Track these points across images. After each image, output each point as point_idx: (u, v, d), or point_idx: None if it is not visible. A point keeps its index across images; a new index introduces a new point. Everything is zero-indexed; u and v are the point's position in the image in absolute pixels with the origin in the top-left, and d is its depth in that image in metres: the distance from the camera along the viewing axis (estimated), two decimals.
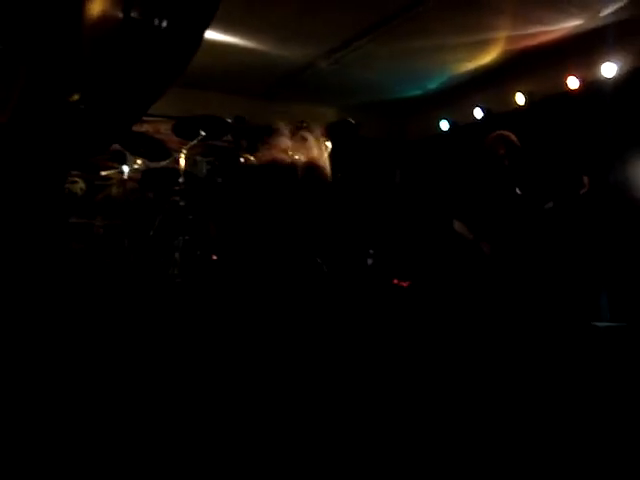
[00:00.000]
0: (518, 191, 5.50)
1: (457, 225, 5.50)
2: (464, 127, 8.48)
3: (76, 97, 2.01)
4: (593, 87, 6.85)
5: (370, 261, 7.02)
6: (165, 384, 3.64)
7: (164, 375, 3.79)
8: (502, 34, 6.71)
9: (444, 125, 8.77)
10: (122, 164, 6.50)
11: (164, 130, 7.18)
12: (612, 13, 6.23)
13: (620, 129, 6.54)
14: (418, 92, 8.57)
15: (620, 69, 6.59)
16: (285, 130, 5.61)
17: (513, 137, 5.61)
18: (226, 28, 6.28)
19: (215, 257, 5.69)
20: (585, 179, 5.56)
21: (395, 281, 6.80)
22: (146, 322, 4.75)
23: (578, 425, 3.33)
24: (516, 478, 2.60)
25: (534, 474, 2.63)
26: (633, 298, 5.90)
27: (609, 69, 6.63)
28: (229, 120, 6.24)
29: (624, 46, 6.54)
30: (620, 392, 3.92)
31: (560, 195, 5.63)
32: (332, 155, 6.52)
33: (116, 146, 6.35)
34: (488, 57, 7.25)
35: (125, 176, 6.49)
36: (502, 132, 5.66)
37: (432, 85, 8.29)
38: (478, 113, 8.17)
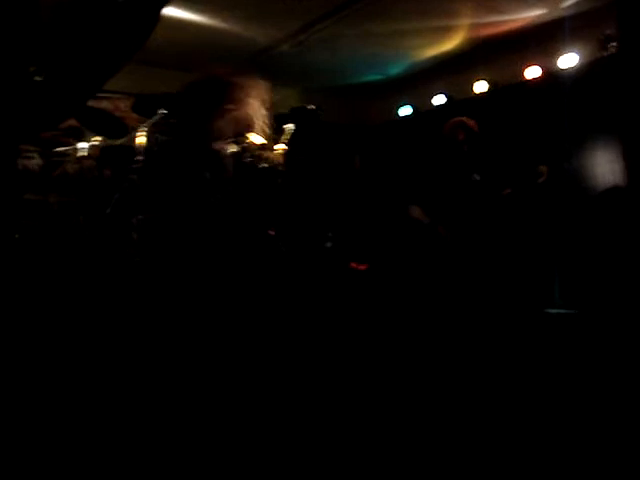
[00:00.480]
0: (476, 177, 5.55)
1: (413, 209, 5.53)
2: (425, 113, 8.51)
3: (32, 69, 1.97)
4: (553, 77, 6.92)
5: (329, 244, 7.02)
6: (122, 363, 3.62)
7: (120, 354, 3.77)
8: (465, 21, 6.75)
9: (405, 110, 8.79)
10: (79, 141, 6.39)
11: (123, 107, 7.08)
12: (573, 4, 6.30)
13: (578, 119, 6.62)
14: (380, 77, 8.58)
15: (580, 60, 6.67)
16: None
17: (472, 123, 5.66)
18: (189, 5, 6.22)
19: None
20: (543, 168, 5.63)
21: (353, 264, 6.82)
22: (104, 301, 4.71)
23: (528, 408, 3.39)
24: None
25: (476, 456, 2.67)
26: (584, 285, 6.00)
27: (569, 60, 6.71)
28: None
29: (584, 37, 6.63)
30: (570, 377, 4.00)
31: (517, 182, 5.69)
32: (293, 139, 6.50)
33: (73, 122, 6.24)
34: (450, 44, 7.28)
35: (82, 153, 6.38)
36: (462, 118, 5.70)
37: (394, 70, 8.30)
38: (439, 99, 8.21)
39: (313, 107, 6.60)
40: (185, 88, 4.95)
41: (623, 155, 6.20)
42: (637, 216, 5.72)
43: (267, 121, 5.62)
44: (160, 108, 5.99)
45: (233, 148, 5.45)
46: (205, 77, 5.09)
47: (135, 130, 6.10)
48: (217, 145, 4.95)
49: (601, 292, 5.80)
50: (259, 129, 5.52)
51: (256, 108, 5.11)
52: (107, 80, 2.16)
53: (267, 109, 5.15)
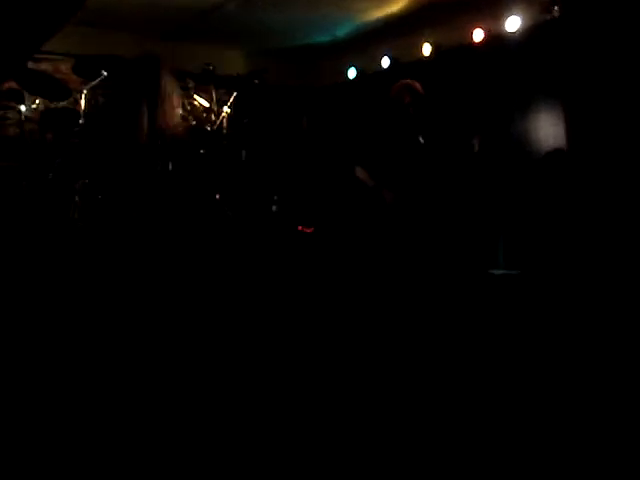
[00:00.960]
0: (421, 140, 5.59)
1: (359, 171, 5.55)
2: (371, 75, 8.50)
3: None
4: (497, 40, 6.96)
5: (275, 207, 7.02)
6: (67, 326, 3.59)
7: (68, 318, 3.74)
8: None
9: (351, 73, 8.77)
10: (20, 103, 6.24)
11: (65, 69, 6.92)
12: None
13: (521, 82, 6.69)
14: (326, 39, 8.52)
15: (523, 23, 6.72)
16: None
17: (418, 86, 5.69)
18: None
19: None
20: (475, 142, 5.69)
21: (299, 227, 6.84)
22: (47, 267, 4.65)
23: (475, 368, 3.47)
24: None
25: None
26: (527, 247, 6.11)
27: (513, 23, 6.75)
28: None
29: (528, 1, 6.67)
30: (513, 337, 4.09)
31: (460, 147, 5.75)
32: (237, 101, 6.46)
33: (14, 85, 6.10)
34: (396, 6, 7.25)
35: (23, 116, 6.24)
36: (408, 81, 5.72)
37: (341, 32, 8.25)
38: (385, 62, 8.20)
39: (257, 81, 6.56)
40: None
41: (565, 118, 6.30)
42: (577, 178, 5.84)
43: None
44: (101, 70, 5.90)
45: (179, 110, 5.40)
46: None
47: (77, 93, 6.00)
48: (165, 106, 4.91)
49: (543, 253, 5.92)
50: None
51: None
52: (46, 41, 2.10)
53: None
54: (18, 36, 2.00)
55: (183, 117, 5.88)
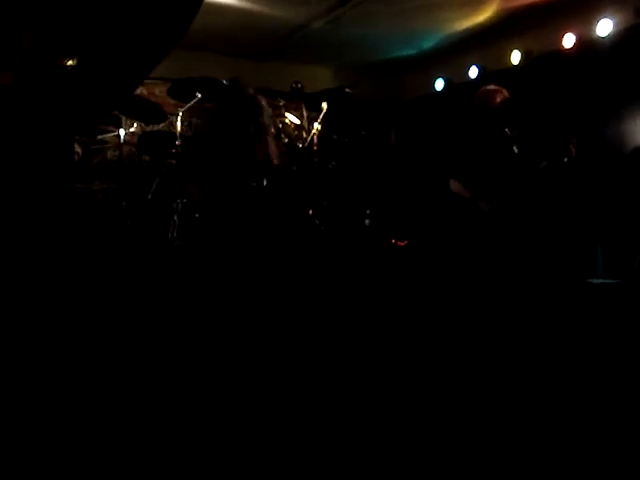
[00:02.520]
0: (515, 149, 5.51)
1: (453, 184, 5.51)
2: (459, 86, 8.45)
3: (73, 61, 2.01)
4: (589, 45, 6.82)
5: (367, 222, 7.04)
6: (162, 347, 3.69)
7: (161, 338, 3.84)
8: None
9: (439, 84, 8.74)
10: (118, 127, 6.48)
11: (159, 92, 7.15)
12: None
13: (614, 87, 6.54)
14: (413, 51, 8.52)
15: (616, 27, 6.56)
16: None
17: (504, 91, 5.60)
18: None
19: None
20: (572, 146, 5.57)
21: (393, 241, 6.84)
22: (147, 286, 4.79)
23: (573, 380, 3.40)
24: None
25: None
26: (626, 255, 5.95)
27: (605, 27, 6.59)
28: (225, 82, 6.21)
29: (620, 3, 6.51)
30: (615, 349, 3.99)
31: (554, 154, 5.64)
32: (327, 117, 6.52)
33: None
34: (483, 15, 7.20)
35: (121, 140, 6.47)
36: (493, 85, 5.64)
37: (427, 44, 8.24)
38: (473, 72, 8.14)
39: (348, 90, 6.61)
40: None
41: None
42: None
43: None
44: (196, 92, 6.06)
45: (272, 129, 5.49)
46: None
47: (172, 115, 6.19)
48: (261, 121, 5.01)
49: None
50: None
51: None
52: (152, 68, 2.19)
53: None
54: (129, 65, 2.09)
55: (278, 144, 5.97)
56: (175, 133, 6.01)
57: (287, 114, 6.62)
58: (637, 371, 3.54)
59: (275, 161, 5.10)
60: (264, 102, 5.11)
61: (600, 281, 5.94)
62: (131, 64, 2.14)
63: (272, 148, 5.12)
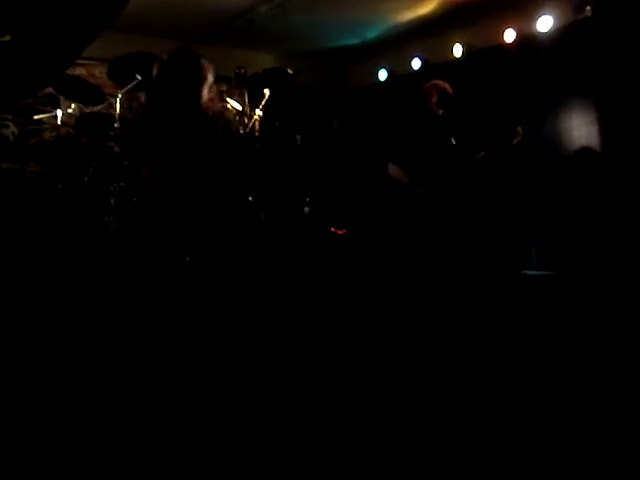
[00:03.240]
0: (453, 141, 5.59)
1: (392, 168, 5.55)
2: (402, 77, 8.51)
3: (7, 37, 1.97)
4: (529, 40, 6.93)
5: (307, 209, 7.04)
6: (92, 331, 3.64)
7: (92, 322, 3.79)
8: None
9: (382, 75, 8.78)
10: (55, 108, 6.35)
11: (99, 74, 7.02)
12: None
13: (553, 83, 6.66)
14: (357, 41, 8.54)
15: (555, 23, 6.68)
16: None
17: (447, 86, 5.68)
18: None
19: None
20: (519, 129, 5.68)
21: (332, 229, 6.85)
22: (82, 268, 4.72)
23: (504, 369, 3.47)
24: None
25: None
26: (560, 247, 6.08)
27: (545, 23, 6.71)
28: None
29: (559, 0, 6.63)
30: (548, 339, 4.08)
31: (493, 145, 5.73)
32: (269, 103, 6.49)
33: (49, 90, 6.20)
34: (427, 7, 7.25)
35: (59, 121, 6.34)
36: (436, 81, 5.72)
37: (371, 34, 8.27)
38: (416, 63, 8.21)
39: (290, 71, 6.58)
40: (164, 59, 4.92)
41: (598, 118, 6.26)
42: (610, 179, 5.80)
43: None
44: (135, 74, 5.96)
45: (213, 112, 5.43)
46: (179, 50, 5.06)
47: (112, 97, 6.08)
48: (204, 107, 4.94)
49: (576, 254, 5.89)
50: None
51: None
52: (85, 47, 2.15)
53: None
54: (60, 43, 2.05)
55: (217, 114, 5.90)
56: (114, 115, 5.91)
57: (229, 100, 6.56)
58: (569, 360, 3.63)
59: (211, 107, 5.04)
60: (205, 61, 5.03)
61: (534, 273, 6.06)
62: (63, 42, 2.10)
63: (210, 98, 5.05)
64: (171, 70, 4.81)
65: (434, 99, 5.63)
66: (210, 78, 4.86)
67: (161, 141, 4.84)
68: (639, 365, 3.45)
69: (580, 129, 6.53)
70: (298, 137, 6.67)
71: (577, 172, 6.30)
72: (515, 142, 5.65)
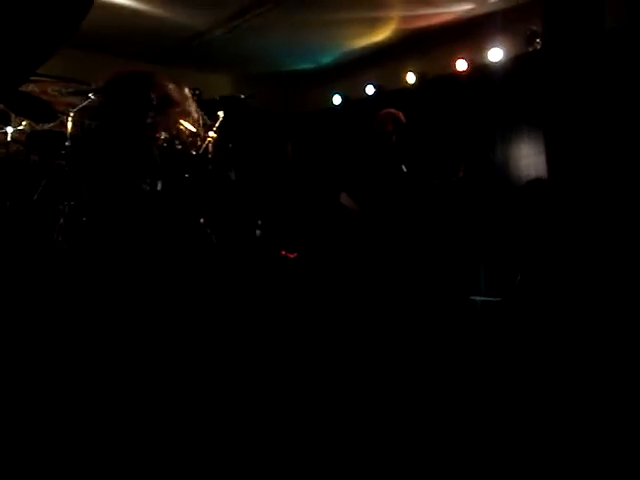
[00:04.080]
0: (404, 168, 5.66)
1: (344, 198, 5.61)
2: (356, 102, 8.60)
3: None
4: (480, 70, 7.08)
5: (258, 232, 7.04)
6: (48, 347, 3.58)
7: (46, 338, 3.73)
8: (395, 13, 6.85)
9: (336, 100, 8.87)
10: (6, 125, 6.26)
11: (51, 91, 6.96)
12: (501, 0, 6.45)
13: (503, 112, 6.80)
14: (312, 66, 8.62)
15: (506, 55, 6.84)
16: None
17: (401, 116, 5.77)
18: None
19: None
20: (461, 165, 5.80)
21: (283, 252, 6.86)
22: (31, 288, 4.64)
23: (451, 393, 3.50)
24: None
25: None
26: (507, 274, 6.17)
27: (496, 54, 6.87)
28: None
29: (510, 32, 6.79)
30: (495, 363, 4.13)
31: (443, 174, 5.83)
32: (223, 126, 6.49)
33: (0, 106, 6.11)
34: (381, 35, 7.37)
35: (9, 137, 6.25)
36: (391, 110, 5.80)
37: (326, 59, 8.36)
38: (370, 90, 8.31)
39: (242, 96, 6.61)
40: (114, 79, 4.89)
41: (545, 148, 6.39)
42: (557, 207, 5.92)
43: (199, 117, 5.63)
44: (88, 92, 5.92)
45: (164, 135, 5.43)
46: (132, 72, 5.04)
47: (64, 115, 6.01)
48: (148, 132, 4.92)
49: (523, 281, 5.98)
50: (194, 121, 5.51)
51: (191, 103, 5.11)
52: (41, 64, 2.14)
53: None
54: (13, 60, 2.03)
55: (169, 141, 5.88)
56: (65, 133, 5.84)
57: (182, 121, 6.55)
58: (515, 383, 3.67)
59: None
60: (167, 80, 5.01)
61: (482, 298, 6.14)
62: (17, 59, 2.08)
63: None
64: (116, 92, 4.79)
65: (389, 127, 5.70)
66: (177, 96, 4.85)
67: (102, 162, 4.81)
68: (584, 386, 3.51)
69: (528, 158, 6.67)
70: (232, 173, 6.67)
71: (524, 200, 6.41)
72: (458, 176, 5.76)
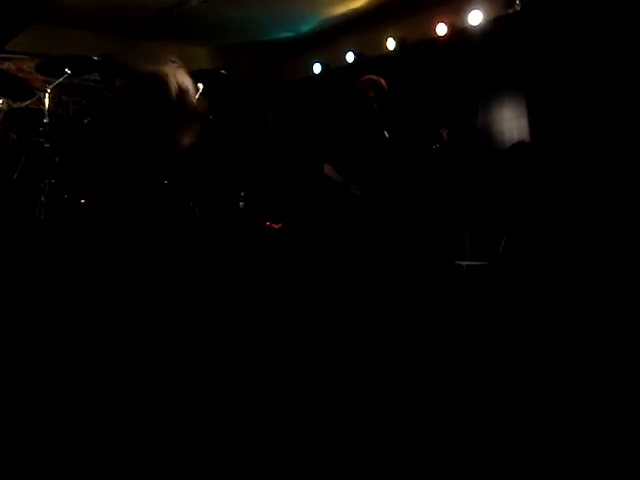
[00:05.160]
0: (386, 134, 5.63)
1: (327, 168, 5.58)
2: (336, 70, 8.53)
3: None
4: (460, 34, 7.03)
5: (242, 204, 7.01)
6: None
7: (28, 318, 3.70)
8: None
9: (317, 68, 8.79)
10: None
11: (27, 68, 6.85)
12: None
13: (484, 76, 6.77)
14: (291, 34, 8.53)
15: (486, 17, 6.79)
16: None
17: (383, 82, 5.72)
18: None
19: (84, 201, 5.51)
20: (444, 132, 5.77)
21: (267, 223, 6.84)
22: (13, 266, 4.60)
23: (438, 358, 3.52)
24: None
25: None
26: (492, 239, 6.19)
27: (475, 17, 6.82)
28: (96, 58, 6.00)
29: None
30: (481, 327, 4.15)
31: (426, 139, 5.80)
32: (203, 97, 6.42)
33: None
34: (360, 1, 7.29)
35: None
36: (372, 76, 5.76)
37: (305, 27, 8.27)
38: (350, 57, 8.24)
39: (224, 72, 6.53)
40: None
41: (527, 111, 6.38)
42: (540, 169, 5.93)
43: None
44: (65, 68, 5.83)
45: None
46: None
47: (40, 92, 5.93)
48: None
49: (508, 244, 6.00)
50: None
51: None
52: (10, 39, 2.10)
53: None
54: None
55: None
56: (43, 111, 5.77)
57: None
58: (501, 345, 3.70)
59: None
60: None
61: (468, 263, 6.17)
62: None
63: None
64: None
65: (371, 94, 5.66)
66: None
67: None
68: (567, 353, 3.53)
69: (511, 121, 6.65)
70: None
71: (508, 164, 6.41)
72: (443, 141, 5.74)
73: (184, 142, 4.60)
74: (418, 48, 7.48)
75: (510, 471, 2.35)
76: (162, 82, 4.27)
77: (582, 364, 3.32)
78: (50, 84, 5.88)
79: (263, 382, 3.11)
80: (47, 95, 5.80)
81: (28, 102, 6.24)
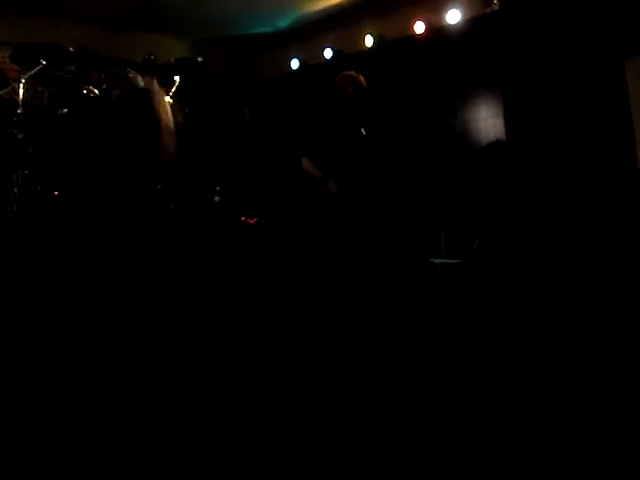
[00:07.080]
0: (363, 131, 5.64)
1: (305, 163, 5.57)
2: (314, 66, 8.53)
3: None
4: (438, 32, 7.06)
5: (217, 198, 6.98)
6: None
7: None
8: None
9: (295, 64, 8.78)
10: None
11: (1, 57, 6.77)
12: None
13: (462, 74, 6.80)
14: (269, 29, 8.51)
15: (464, 16, 6.82)
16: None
17: (361, 78, 5.72)
18: None
19: (57, 193, 5.47)
20: (425, 133, 5.80)
21: (242, 218, 6.82)
22: None
23: (411, 357, 3.53)
24: None
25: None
26: (467, 237, 6.22)
27: (453, 16, 6.85)
28: (72, 49, 5.95)
29: None
30: (454, 324, 4.17)
31: (404, 138, 5.82)
32: (180, 91, 6.39)
33: None
34: None
35: None
36: (351, 72, 5.76)
37: (283, 23, 8.26)
38: (328, 53, 8.24)
39: (200, 59, 6.50)
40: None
41: (504, 110, 6.43)
42: (515, 168, 5.97)
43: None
44: (40, 59, 5.78)
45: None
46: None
47: (15, 82, 5.87)
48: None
49: (483, 242, 6.03)
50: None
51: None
52: None
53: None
54: None
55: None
56: (17, 100, 5.70)
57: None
58: (473, 343, 3.71)
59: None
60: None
61: (442, 261, 6.19)
62: None
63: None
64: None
65: (349, 90, 5.66)
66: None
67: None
68: (542, 351, 3.56)
69: (487, 120, 6.70)
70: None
71: (484, 162, 6.45)
72: (422, 141, 5.76)
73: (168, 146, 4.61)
74: (396, 46, 7.49)
75: (508, 471, 2.36)
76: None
77: (558, 362, 3.35)
78: (25, 74, 5.81)
79: (240, 376, 3.10)
80: (21, 85, 5.74)
81: (2, 92, 6.17)
